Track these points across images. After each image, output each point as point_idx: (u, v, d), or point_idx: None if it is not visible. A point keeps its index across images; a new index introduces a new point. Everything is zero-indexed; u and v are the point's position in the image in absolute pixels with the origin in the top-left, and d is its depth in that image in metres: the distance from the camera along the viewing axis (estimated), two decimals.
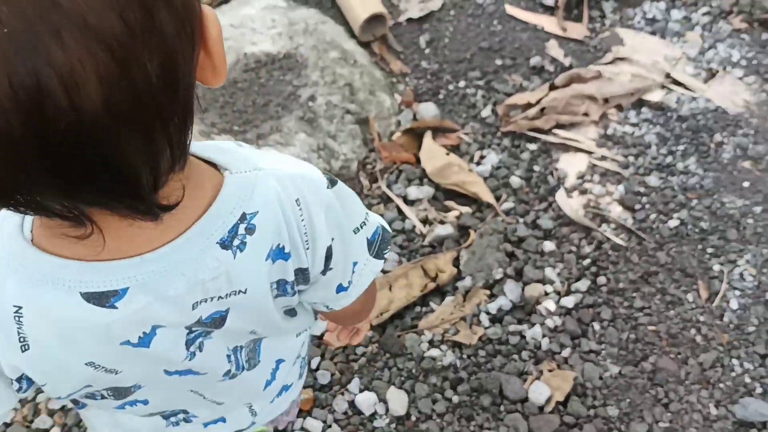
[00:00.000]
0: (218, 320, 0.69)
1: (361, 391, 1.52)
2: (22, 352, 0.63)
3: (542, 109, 2.08)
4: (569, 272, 1.76)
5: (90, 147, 0.46)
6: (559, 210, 1.89)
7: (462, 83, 2.18)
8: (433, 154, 2.00)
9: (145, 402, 0.78)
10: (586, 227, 1.84)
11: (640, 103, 2.12)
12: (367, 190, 1.91)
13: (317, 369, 1.53)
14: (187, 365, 0.73)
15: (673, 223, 1.82)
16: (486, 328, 1.65)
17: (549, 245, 1.81)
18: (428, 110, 2.10)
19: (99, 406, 0.81)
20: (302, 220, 0.68)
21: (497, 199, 1.92)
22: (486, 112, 2.11)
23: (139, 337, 0.65)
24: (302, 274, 0.73)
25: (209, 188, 0.63)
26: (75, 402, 0.82)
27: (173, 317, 0.65)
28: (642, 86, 2.12)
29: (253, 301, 0.70)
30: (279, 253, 0.68)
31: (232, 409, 0.90)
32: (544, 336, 1.63)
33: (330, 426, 1.48)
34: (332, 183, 0.73)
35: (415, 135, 2.06)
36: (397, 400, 1.51)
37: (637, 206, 1.87)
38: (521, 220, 1.88)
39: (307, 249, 0.71)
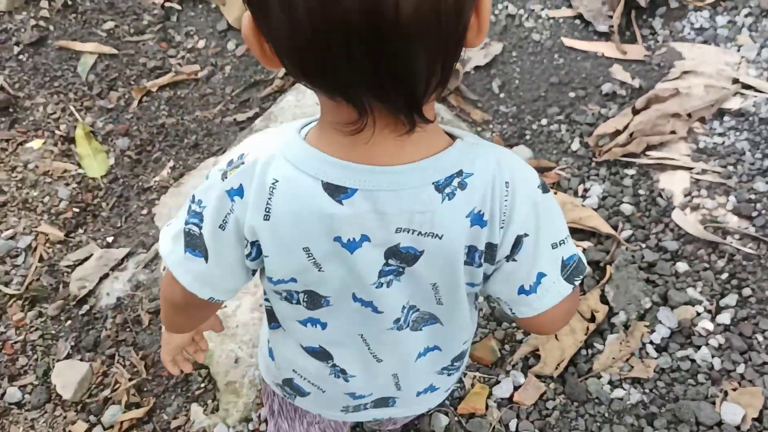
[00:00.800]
0: (411, 257, 0.80)
1: None
2: (264, 220, 0.77)
3: (631, 134, 2.15)
4: (711, 289, 1.82)
5: (394, 46, 0.60)
6: (679, 229, 1.95)
7: (544, 121, 2.24)
8: None
9: (324, 326, 0.90)
10: (710, 242, 1.91)
11: (720, 113, 2.20)
12: None
13: (517, 431, 1.56)
14: (372, 295, 0.83)
15: None
16: (655, 358, 1.69)
17: (682, 266, 1.87)
18: (522, 153, 2.16)
19: (287, 319, 0.93)
20: (505, 201, 0.78)
21: (615, 228, 1.97)
22: (575, 145, 2.18)
23: (349, 239, 0.77)
24: (490, 250, 0.81)
25: (442, 143, 0.76)
26: (272, 317, 0.96)
27: (379, 233, 0.77)
28: (719, 96, 2.21)
29: (444, 252, 0.79)
30: (478, 218, 0.78)
31: (383, 379, 0.98)
32: (713, 356, 1.68)
33: None
34: (545, 189, 0.81)
35: None
36: None
37: (754, 213, 1.94)
38: (643, 245, 1.94)
39: (501, 228, 0.79)
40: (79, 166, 2.06)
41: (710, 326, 1.73)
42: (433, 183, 0.74)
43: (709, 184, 2.04)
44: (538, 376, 1.65)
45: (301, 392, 1.04)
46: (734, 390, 1.61)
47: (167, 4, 2.46)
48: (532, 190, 0.80)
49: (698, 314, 1.77)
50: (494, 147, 0.80)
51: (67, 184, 2.02)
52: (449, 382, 1.07)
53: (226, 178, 0.78)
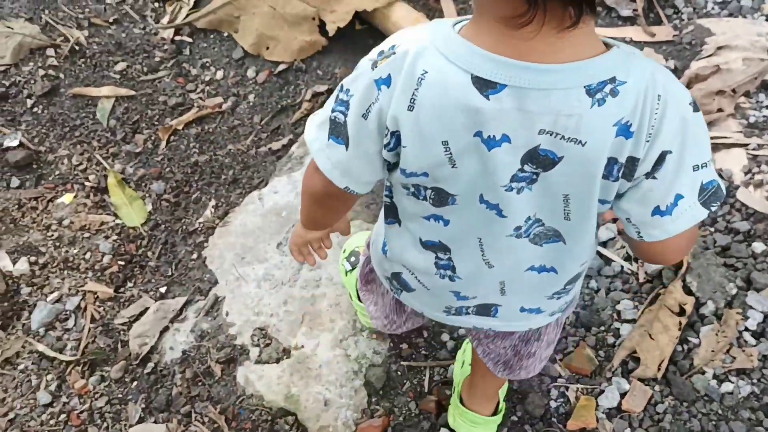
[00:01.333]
0: (549, 161, 0.79)
1: None
2: (408, 110, 0.79)
3: None
4: None
5: None
6: (746, 208, 1.89)
7: None
8: None
9: (447, 222, 0.91)
10: None
11: (764, 85, 2.16)
12: None
13: None
14: (500, 197, 0.84)
15: None
16: (754, 346, 1.62)
17: (758, 246, 1.80)
18: None
19: (410, 215, 0.95)
20: (655, 115, 0.76)
21: None
22: None
23: (489, 136, 0.78)
24: (631, 165, 0.80)
25: (598, 48, 0.76)
26: (390, 212, 0.99)
27: (521, 133, 0.76)
28: (761, 68, 2.16)
29: (584, 160, 0.78)
30: (625, 129, 0.76)
31: (488, 285, 0.99)
32: None
33: None
34: (695, 108, 0.80)
35: None
36: None
37: None
38: (713, 230, 1.87)
39: (647, 141, 0.78)
40: (116, 216, 1.96)
41: None
42: (584, 86, 0.74)
43: None
44: (642, 380, 1.57)
45: (407, 287, 1.08)
46: None
47: (177, 38, 2.37)
48: (683, 106, 0.78)
49: None
50: (651, 60, 0.78)
51: (107, 237, 1.92)
52: (556, 305, 1.06)
53: (375, 67, 0.80)
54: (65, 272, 1.86)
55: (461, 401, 1.44)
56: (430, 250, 0.97)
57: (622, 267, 1.82)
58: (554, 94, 0.74)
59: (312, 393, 1.55)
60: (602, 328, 1.68)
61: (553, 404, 1.52)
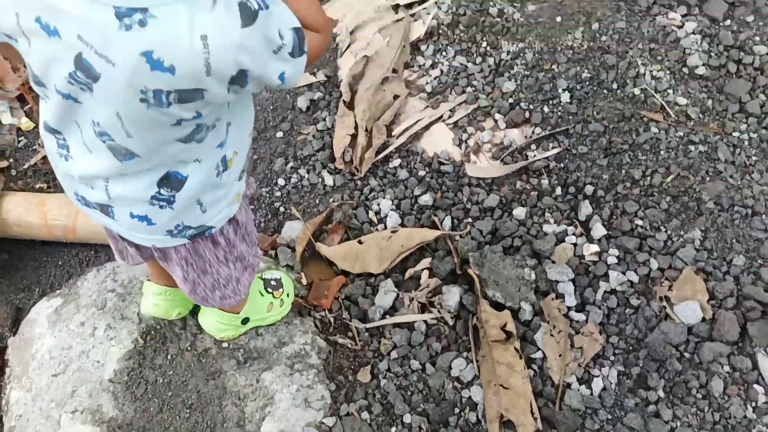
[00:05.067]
0: (93, 75, 0.81)
1: None
2: None
3: (366, 129, 1.89)
4: (564, 211, 1.68)
5: None
6: (483, 181, 1.77)
7: (290, 185, 1.91)
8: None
9: (46, 100, 0.94)
10: (518, 171, 1.75)
11: (414, 48, 2.01)
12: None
13: None
14: (67, 90, 0.86)
15: None
16: (585, 321, 1.53)
17: (519, 211, 1.71)
18: (295, 230, 1.82)
19: (41, 97, 0.96)
20: (205, 53, 0.81)
21: (435, 227, 1.74)
22: (329, 181, 1.89)
23: (47, 24, 0.80)
24: (192, 94, 0.85)
25: None
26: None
27: (68, 31, 0.79)
28: (401, 32, 2.00)
29: (117, 82, 0.81)
30: (158, 63, 0.80)
31: (95, 174, 0.99)
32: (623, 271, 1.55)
33: None
34: (247, 20, 0.83)
35: None
36: None
37: (527, 115, 1.81)
38: (471, 221, 1.75)
39: (209, 76, 0.83)
40: None
41: (595, 246, 1.61)
42: (114, 6, 0.76)
43: (469, 118, 1.87)
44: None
45: (54, 167, 1.09)
46: None
47: None
48: (233, 34, 0.81)
49: (575, 245, 1.63)
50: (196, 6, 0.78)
51: None
52: (167, 219, 1.06)
53: None
54: None
55: None
56: (50, 134, 0.99)
57: (426, 322, 1.61)
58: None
59: None
60: (456, 410, 1.47)
61: None
